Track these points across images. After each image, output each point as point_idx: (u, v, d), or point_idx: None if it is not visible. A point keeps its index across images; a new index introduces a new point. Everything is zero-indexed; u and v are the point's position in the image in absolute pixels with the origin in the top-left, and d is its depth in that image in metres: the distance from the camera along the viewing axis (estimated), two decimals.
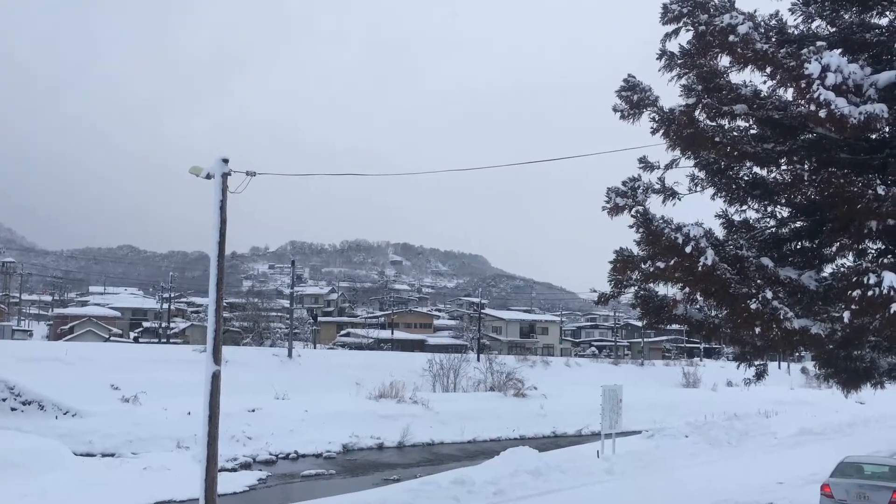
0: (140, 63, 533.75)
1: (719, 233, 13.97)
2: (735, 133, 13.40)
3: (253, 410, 37.22)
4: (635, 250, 13.06)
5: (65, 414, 35.72)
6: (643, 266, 12.99)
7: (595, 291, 14.51)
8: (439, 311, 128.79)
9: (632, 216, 12.55)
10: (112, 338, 74.90)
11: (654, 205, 13.30)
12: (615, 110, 13.18)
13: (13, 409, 36.43)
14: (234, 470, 29.58)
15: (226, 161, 12.99)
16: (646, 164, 14.21)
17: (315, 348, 79.01)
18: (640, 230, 12.43)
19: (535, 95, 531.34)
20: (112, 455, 31.15)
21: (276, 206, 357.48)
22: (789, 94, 12.79)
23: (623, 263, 12.99)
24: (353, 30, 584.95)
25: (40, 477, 25.15)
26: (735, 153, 12.88)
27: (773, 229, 14.52)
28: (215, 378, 12.54)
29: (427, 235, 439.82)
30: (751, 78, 13.11)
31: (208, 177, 12.92)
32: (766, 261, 12.21)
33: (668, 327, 16.22)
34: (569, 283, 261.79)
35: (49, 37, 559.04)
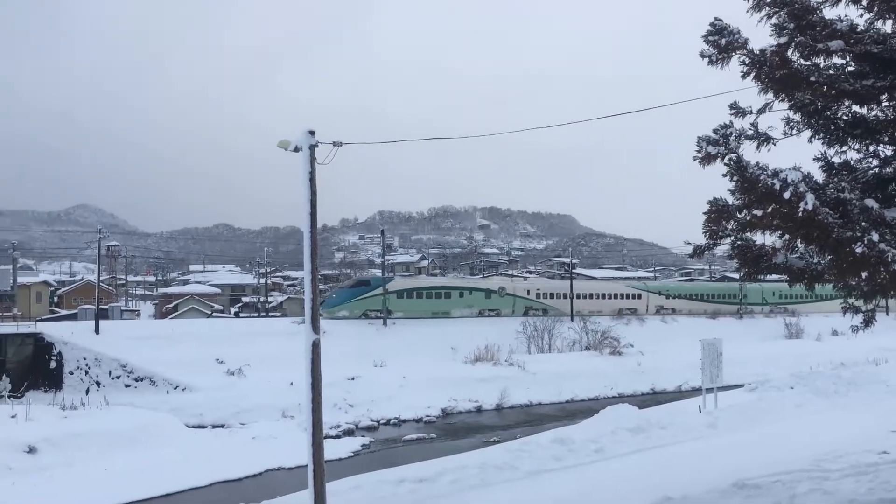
0: (227, 42, 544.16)
1: (818, 176, 13.40)
2: (831, 71, 12.81)
3: (352, 379, 38.06)
4: (730, 199, 12.69)
5: (175, 388, 37.27)
6: (739, 215, 12.61)
7: (690, 244, 14.17)
8: (530, 272, 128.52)
9: (725, 164, 12.18)
10: (214, 314, 77.42)
11: (748, 151, 12.87)
12: (702, 56, 12.75)
13: (127, 386, 38.23)
14: (337, 437, 30.37)
15: (312, 133, 13.15)
16: (737, 110, 13.71)
17: None
18: (734, 178, 12.05)
19: (630, 48, 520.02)
20: (222, 426, 32.39)
21: (363, 178, 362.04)
22: (888, 27, 12.17)
23: (718, 214, 12.62)
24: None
25: (157, 449, 26.38)
26: (832, 92, 12.34)
27: (877, 169, 13.88)
28: (315, 346, 12.82)
29: (514, 198, 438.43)
30: (846, 12, 12.52)
31: (296, 150, 13.12)
32: (870, 202, 11.69)
33: (767, 277, 15.78)
34: (661, 238, 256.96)
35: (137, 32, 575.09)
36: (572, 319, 59.87)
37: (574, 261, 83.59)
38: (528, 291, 65.93)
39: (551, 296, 66.45)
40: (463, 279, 67.54)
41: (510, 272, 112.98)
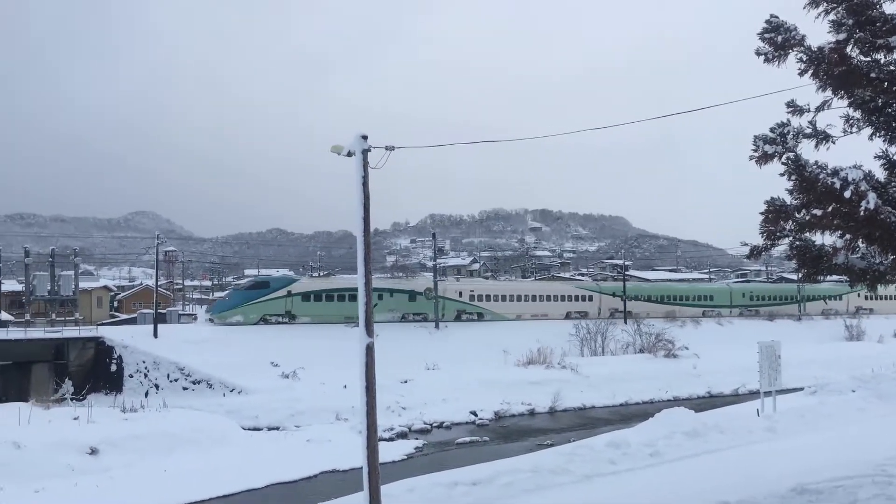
0: (280, 48, 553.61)
1: (880, 175, 13.12)
2: (892, 67, 12.53)
3: (405, 382, 38.25)
4: (788, 199, 12.47)
5: (231, 391, 37.82)
6: (797, 215, 12.39)
7: (746, 245, 13.95)
8: (582, 275, 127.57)
9: (782, 163, 11.98)
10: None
11: (806, 150, 12.65)
12: (758, 54, 12.55)
13: (185, 389, 38.94)
14: (391, 440, 30.49)
15: (365, 137, 13.24)
16: (794, 108, 13.46)
17: None
18: (793, 177, 11.84)
19: (673, 54, 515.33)
20: (277, 429, 32.78)
21: (414, 182, 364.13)
22: None
23: (775, 214, 12.41)
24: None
25: (214, 451, 26.80)
26: (893, 88, 12.06)
27: None
28: (369, 350, 12.89)
29: (565, 200, 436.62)
30: None
31: (349, 154, 13.21)
32: None
33: (826, 279, 15.43)
34: (715, 239, 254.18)
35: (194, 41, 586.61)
36: (625, 322, 59.33)
37: (627, 262, 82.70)
38: (461, 293, 61.10)
39: (488, 298, 61.84)
40: (384, 279, 61.13)
41: (562, 275, 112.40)
